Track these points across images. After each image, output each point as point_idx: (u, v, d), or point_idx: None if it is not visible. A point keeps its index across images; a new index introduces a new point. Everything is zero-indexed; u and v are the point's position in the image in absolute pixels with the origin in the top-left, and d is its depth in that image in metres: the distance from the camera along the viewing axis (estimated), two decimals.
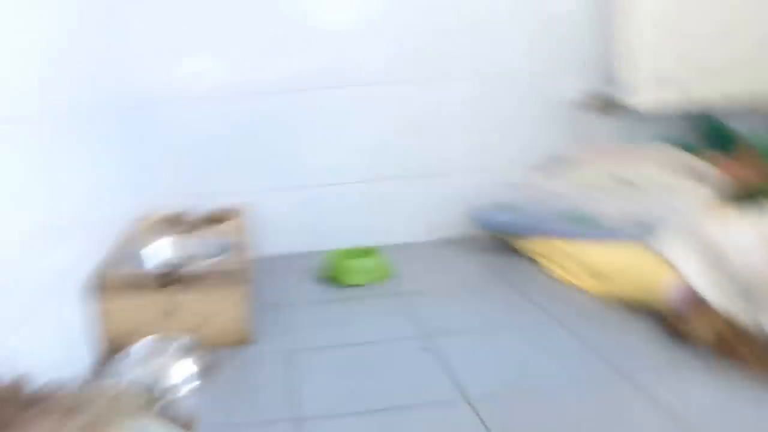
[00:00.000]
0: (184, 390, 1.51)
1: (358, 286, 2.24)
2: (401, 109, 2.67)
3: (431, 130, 2.70)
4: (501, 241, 2.54)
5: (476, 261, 2.46)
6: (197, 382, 1.55)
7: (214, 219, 2.37)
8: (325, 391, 1.53)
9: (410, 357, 1.70)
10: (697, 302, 1.67)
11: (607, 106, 2.74)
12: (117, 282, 1.72)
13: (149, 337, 1.63)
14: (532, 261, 2.36)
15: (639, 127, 2.81)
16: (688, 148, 2.62)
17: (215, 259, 1.92)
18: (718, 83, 2.70)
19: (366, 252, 2.40)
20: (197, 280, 1.75)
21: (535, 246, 2.35)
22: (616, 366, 1.57)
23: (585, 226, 2.22)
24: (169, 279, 1.74)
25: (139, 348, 1.59)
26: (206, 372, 1.59)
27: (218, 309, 1.75)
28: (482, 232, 2.58)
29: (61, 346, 1.49)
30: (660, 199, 2.28)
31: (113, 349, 1.67)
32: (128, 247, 1.99)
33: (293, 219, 2.67)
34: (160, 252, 2.00)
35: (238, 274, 1.79)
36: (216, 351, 1.70)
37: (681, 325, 1.67)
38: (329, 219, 2.69)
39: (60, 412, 0.51)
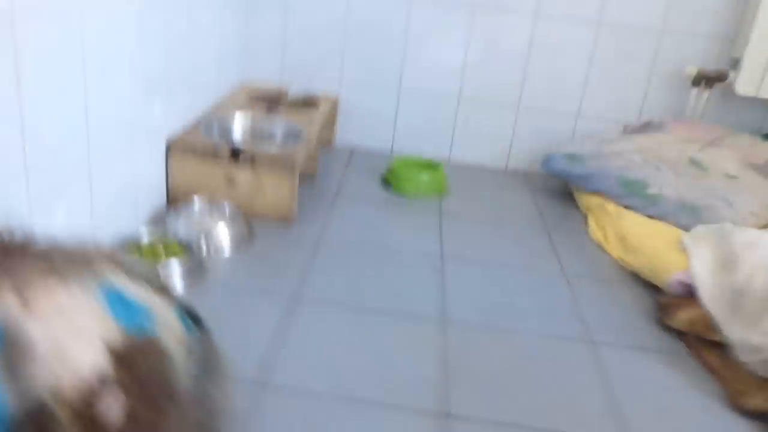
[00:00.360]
0: (218, 251, 1.82)
1: (411, 195, 2.45)
2: (514, 39, 2.73)
3: (536, 64, 2.76)
4: (561, 186, 2.63)
5: (528, 198, 2.59)
6: (231, 247, 1.85)
7: (305, 103, 2.61)
8: (331, 281, 1.79)
9: (418, 271, 1.92)
10: (691, 295, 1.75)
11: (713, 82, 2.66)
12: (191, 145, 2.03)
13: (203, 200, 1.94)
14: (580, 213, 2.45)
15: (743, 114, 2.74)
16: None
17: (286, 143, 2.18)
18: None
19: (429, 165, 2.58)
20: (260, 159, 2.02)
21: (587, 199, 2.43)
22: (590, 330, 1.71)
23: (635, 195, 2.27)
24: (237, 153, 2.01)
25: (191, 207, 1.90)
26: (242, 240, 1.89)
27: (270, 188, 2.03)
28: (547, 173, 2.67)
29: (136, 189, 1.82)
30: (719, 189, 2.28)
31: (173, 203, 2.00)
32: (215, 115, 2.28)
33: (381, 117, 2.86)
34: (240, 124, 2.28)
35: (297, 160, 2.04)
36: (258, 224, 2.00)
37: (668, 310, 1.77)
38: (412, 125, 2.87)
39: (36, 259, 0.74)
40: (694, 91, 2.69)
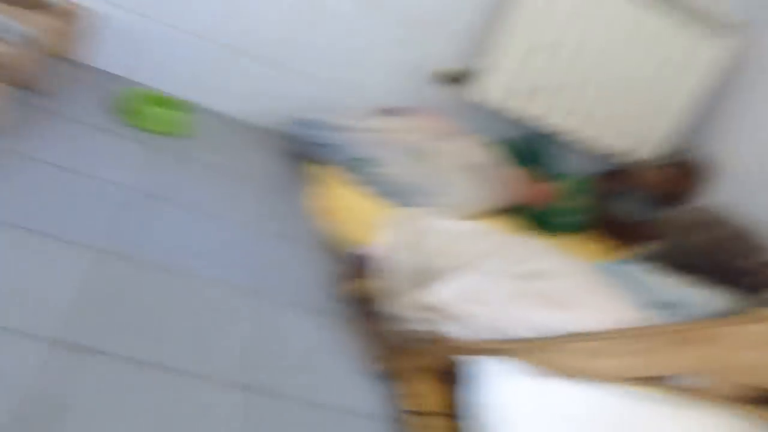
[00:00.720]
0: None
1: (146, 130, 2.36)
2: None
3: (306, 28, 2.77)
4: (300, 150, 2.69)
5: (264, 156, 2.64)
6: None
7: (39, 5, 2.38)
8: (8, 200, 1.68)
9: (114, 204, 1.87)
10: (370, 267, 1.93)
11: (457, 82, 2.92)
12: None
13: None
14: (308, 178, 2.52)
15: (481, 117, 3.00)
16: (514, 155, 2.88)
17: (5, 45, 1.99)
18: (556, 111, 2.95)
19: (173, 104, 2.51)
20: None
21: (316, 166, 2.53)
22: (265, 286, 1.80)
23: (359, 170, 2.44)
24: None
25: None
26: None
27: None
28: (289, 135, 2.74)
29: None
30: (435, 179, 2.53)
31: None
32: None
33: (140, 45, 2.69)
34: None
35: (12, 65, 1.88)
36: None
37: (345, 279, 1.94)
38: (171, 60, 2.73)
39: None
40: (439, 87, 2.92)
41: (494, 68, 2.81)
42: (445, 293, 1.76)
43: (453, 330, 1.68)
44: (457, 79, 2.91)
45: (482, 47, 2.86)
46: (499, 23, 2.79)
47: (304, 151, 2.65)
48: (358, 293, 1.87)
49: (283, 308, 1.76)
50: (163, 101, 2.51)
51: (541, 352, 1.72)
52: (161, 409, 1.31)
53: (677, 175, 2.92)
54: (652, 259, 2.37)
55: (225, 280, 1.76)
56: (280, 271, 1.91)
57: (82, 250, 1.62)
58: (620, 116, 2.99)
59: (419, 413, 1.56)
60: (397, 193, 2.41)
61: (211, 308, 1.64)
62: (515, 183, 2.77)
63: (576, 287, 1.97)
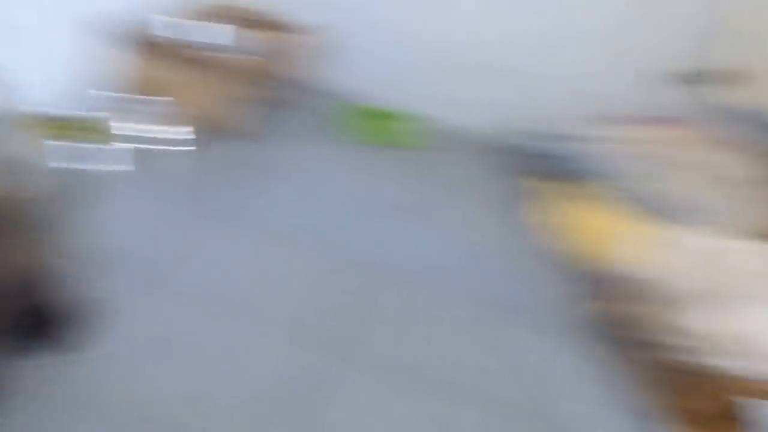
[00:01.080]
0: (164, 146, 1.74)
1: (372, 143, 2.36)
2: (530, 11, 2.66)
3: (548, 31, 2.68)
4: (528, 163, 2.53)
5: (490, 167, 2.52)
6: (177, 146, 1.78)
7: (277, 26, 2.47)
8: (270, 211, 1.73)
9: (354, 215, 1.85)
10: (622, 290, 1.70)
11: (703, 82, 2.59)
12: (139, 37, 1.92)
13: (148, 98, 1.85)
14: (541, 193, 2.33)
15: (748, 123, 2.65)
16: None
17: (243, 54, 2.06)
18: None
19: (393, 115, 2.49)
20: (219, 65, 1.92)
21: (548, 183, 2.33)
22: (508, 303, 1.65)
23: (613, 185, 2.21)
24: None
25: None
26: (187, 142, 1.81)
27: (219, 96, 1.93)
28: (517, 147, 2.59)
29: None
30: (689, 194, 2.23)
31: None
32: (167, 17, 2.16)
33: (373, 63, 2.73)
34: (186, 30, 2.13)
35: (253, 80, 1.94)
36: (207, 133, 1.91)
37: (593, 299, 1.73)
38: (393, 73, 2.74)
39: None
40: (687, 89, 2.61)
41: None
42: (749, 325, 1.48)
43: (740, 366, 1.41)
44: (704, 79, 2.57)
45: (736, 45, 2.51)
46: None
47: (532, 164, 2.46)
48: (609, 316, 1.65)
49: (523, 326, 1.58)
50: (384, 114, 2.48)
51: None
52: (404, 414, 1.22)
53: None
54: None
55: (462, 295, 1.63)
56: (518, 289, 1.75)
57: (326, 257, 1.61)
58: None
59: None
60: (652, 210, 2.12)
61: (448, 321, 1.51)
62: None
63: None
